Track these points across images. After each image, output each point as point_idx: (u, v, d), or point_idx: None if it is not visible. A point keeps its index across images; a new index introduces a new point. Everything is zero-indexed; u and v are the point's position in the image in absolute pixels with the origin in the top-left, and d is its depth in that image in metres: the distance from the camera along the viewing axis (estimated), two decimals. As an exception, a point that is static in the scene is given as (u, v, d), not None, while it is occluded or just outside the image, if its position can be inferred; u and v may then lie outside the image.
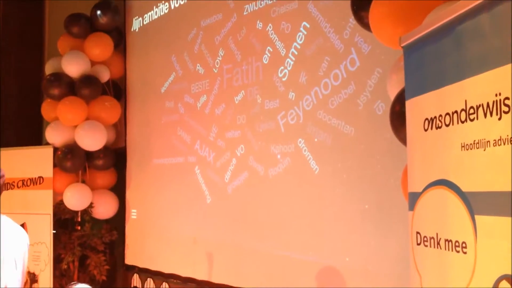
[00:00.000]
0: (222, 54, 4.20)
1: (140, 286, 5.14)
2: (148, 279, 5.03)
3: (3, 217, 3.01)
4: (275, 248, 3.59)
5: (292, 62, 3.52)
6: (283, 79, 3.59)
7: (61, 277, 4.92)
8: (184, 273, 4.42)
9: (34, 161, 5.13)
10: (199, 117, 4.45)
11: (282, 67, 3.58)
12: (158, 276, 4.85)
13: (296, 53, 3.49)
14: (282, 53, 3.59)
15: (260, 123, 3.77)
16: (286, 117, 3.54)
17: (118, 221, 5.38)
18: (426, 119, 1.68)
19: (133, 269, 5.23)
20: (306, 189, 3.37)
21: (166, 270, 4.73)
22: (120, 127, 5.52)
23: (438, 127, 1.62)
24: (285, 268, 3.49)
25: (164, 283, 4.81)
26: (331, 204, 3.19)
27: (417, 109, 1.76)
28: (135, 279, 5.21)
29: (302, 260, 3.36)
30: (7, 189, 4.76)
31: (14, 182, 4.98)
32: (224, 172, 4.09)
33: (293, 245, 3.45)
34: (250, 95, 3.88)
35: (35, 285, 4.91)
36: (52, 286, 4.87)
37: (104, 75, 5.34)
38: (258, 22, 3.82)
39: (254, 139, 3.82)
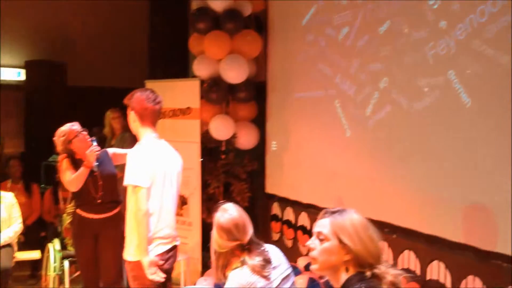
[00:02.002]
0: (367, -17, 4.04)
1: (280, 214, 5.37)
2: (288, 207, 5.22)
3: (162, 141, 3.32)
4: (419, 184, 3.50)
5: (444, -12, 3.29)
6: (433, 7, 3.37)
7: (208, 200, 5.28)
8: (322, 204, 4.51)
9: (183, 92, 5.42)
10: (340, 49, 4.37)
11: (433, -6, 3.36)
12: (297, 205, 5.01)
13: (450, -22, 3.24)
14: (434, -22, 3.36)
15: (406, 55, 3.61)
16: (435, 47, 3.35)
17: (259, 152, 5.58)
18: None
19: (273, 197, 5.45)
20: (456, 123, 3.21)
21: (305, 200, 4.86)
22: (261, 61, 5.62)
23: None
24: (431, 204, 3.41)
25: (302, 213, 4.97)
26: (482, 139, 3.02)
27: None
28: (275, 207, 5.45)
29: (448, 197, 3.26)
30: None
31: (165, 111, 5.32)
32: (366, 105, 4.02)
33: (439, 181, 3.34)
34: (396, 26, 3.71)
35: (185, 206, 5.34)
36: (200, 208, 5.28)
37: (246, 9, 5.41)
38: None
39: (398, 72, 3.69)
